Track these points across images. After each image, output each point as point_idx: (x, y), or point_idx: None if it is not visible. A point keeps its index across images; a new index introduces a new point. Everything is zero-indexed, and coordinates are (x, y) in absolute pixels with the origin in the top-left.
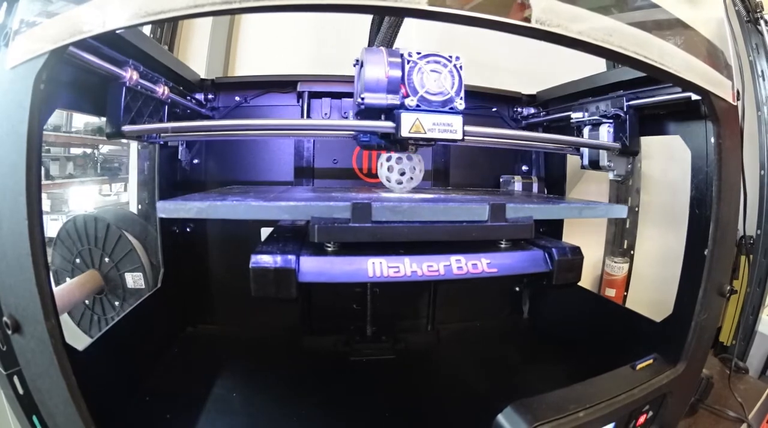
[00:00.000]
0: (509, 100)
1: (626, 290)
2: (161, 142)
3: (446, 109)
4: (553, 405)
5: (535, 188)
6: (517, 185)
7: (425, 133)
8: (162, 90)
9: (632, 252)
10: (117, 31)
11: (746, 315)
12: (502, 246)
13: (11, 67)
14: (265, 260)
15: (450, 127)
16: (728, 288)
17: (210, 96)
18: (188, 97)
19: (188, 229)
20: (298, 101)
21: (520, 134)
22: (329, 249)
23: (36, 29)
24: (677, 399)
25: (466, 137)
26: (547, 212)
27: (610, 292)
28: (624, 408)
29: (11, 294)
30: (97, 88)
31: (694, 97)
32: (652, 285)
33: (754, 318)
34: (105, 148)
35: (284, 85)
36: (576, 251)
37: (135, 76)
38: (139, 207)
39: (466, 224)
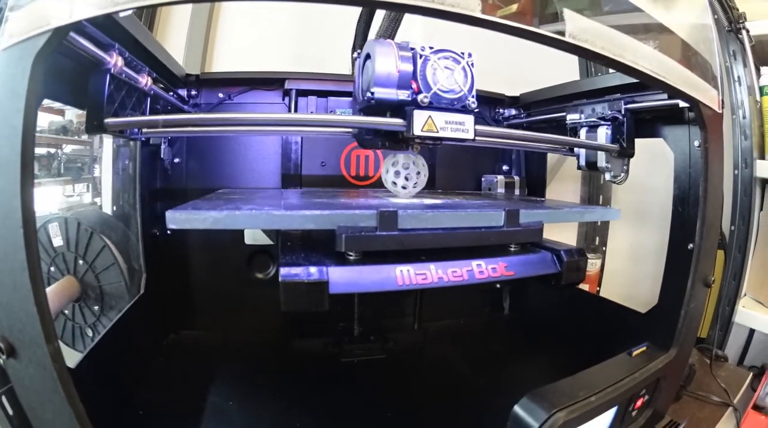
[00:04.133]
0: (492, 101)
1: (599, 285)
2: (143, 139)
3: (458, 107)
4: (565, 393)
5: (517, 188)
6: (500, 185)
7: (438, 131)
8: (145, 80)
9: (604, 248)
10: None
11: (723, 307)
12: (512, 249)
13: (5, 47)
14: (295, 273)
15: (462, 127)
16: (712, 279)
17: (193, 92)
18: (170, 92)
19: (169, 232)
20: (283, 99)
21: (522, 134)
22: (351, 257)
23: (38, 3)
24: (669, 383)
25: (477, 137)
26: (554, 216)
27: (583, 288)
28: (627, 392)
29: (4, 315)
30: (75, 74)
31: (682, 103)
32: (624, 280)
33: (731, 309)
34: (68, 148)
35: (271, 82)
36: (581, 252)
37: (120, 62)
38: (114, 208)
39: (485, 230)
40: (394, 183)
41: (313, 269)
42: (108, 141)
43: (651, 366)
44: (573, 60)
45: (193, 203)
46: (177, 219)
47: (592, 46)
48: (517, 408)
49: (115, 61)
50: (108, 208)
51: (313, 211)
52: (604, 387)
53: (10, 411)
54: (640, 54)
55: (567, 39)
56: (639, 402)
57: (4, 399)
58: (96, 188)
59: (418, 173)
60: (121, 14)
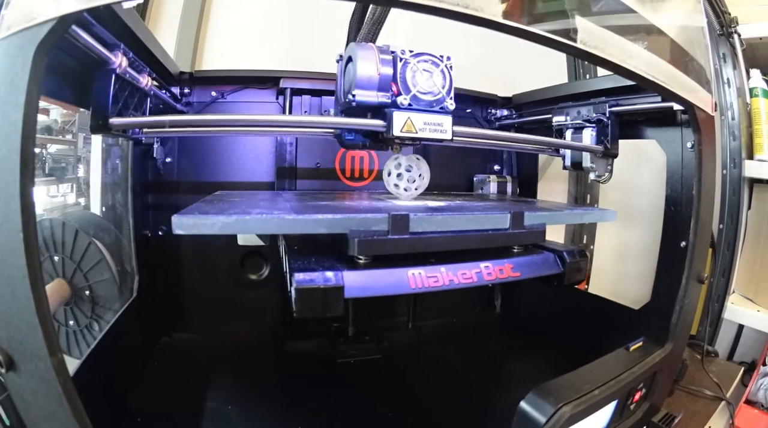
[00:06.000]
0: (484, 101)
1: (587, 283)
2: (143, 139)
3: (437, 108)
4: (569, 387)
5: (509, 188)
6: (492, 185)
7: (416, 132)
8: (146, 81)
9: (592, 247)
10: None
11: (712, 303)
12: (515, 251)
13: (4, 36)
14: (310, 278)
15: (440, 127)
16: (705, 275)
17: (186, 90)
18: (163, 91)
19: (160, 233)
20: (276, 98)
21: (505, 135)
22: (361, 261)
23: None
24: (665, 377)
25: (454, 137)
26: (556, 218)
27: None
28: (627, 385)
29: (2, 325)
30: (78, 73)
31: (676, 107)
32: (611, 278)
33: (720, 306)
34: (52, 148)
35: (265, 80)
36: (582, 253)
37: (124, 62)
38: (103, 209)
39: (492, 232)
40: (396, 185)
41: (328, 274)
42: (97, 140)
43: (648, 361)
44: (560, 62)
45: (197, 207)
46: (184, 224)
47: (601, 53)
48: (523, 404)
49: (120, 61)
50: (97, 209)
51: (326, 215)
52: (605, 381)
53: (7, 422)
54: (641, 59)
55: (578, 45)
56: (637, 396)
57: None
58: (80, 189)
59: (421, 176)
60: (125, 5)
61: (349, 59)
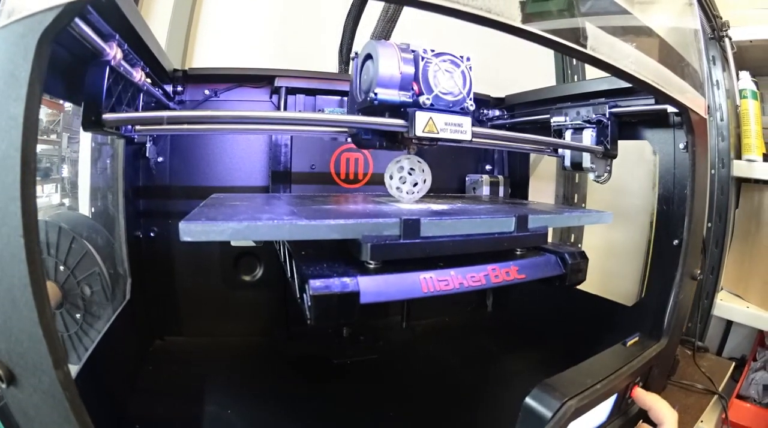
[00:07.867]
0: (477, 102)
1: None
2: (135, 137)
3: (457, 109)
4: (573, 382)
5: (501, 188)
6: (485, 186)
7: (438, 133)
8: (139, 75)
9: (580, 246)
10: None
11: (702, 300)
12: (518, 253)
13: (4, 24)
14: (326, 285)
15: (460, 128)
16: (698, 272)
17: (179, 88)
18: (156, 88)
19: (152, 234)
20: (270, 97)
21: (513, 136)
22: (371, 266)
23: None
24: (660, 371)
25: (473, 139)
26: (556, 221)
27: None
28: (626, 379)
29: (2, 337)
30: (68, 65)
31: (670, 109)
32: (598, 276)
33: (710, 303)
34: (38, 148)
35: (260, 79)
36: (582, 254)
37: (119, 54)
38: (92, 210)
39: (498, 235)
40: (399, 188)
41: (344, 280)
42: (86, 139)
43: (645, 355)
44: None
45: (202, 212)
46: (192, 231)
47: (607, 58)
48: (529, 400)
49: (114, 52)
50: (86, 210)
51: (338, 221)
52: (607, 375)
53: None
54: (642, 64)
55: (587, 51)
56: (634, 390)
57: None
58: (65, 189)
59: (423, 179)
60: None
61: (367, 57)
